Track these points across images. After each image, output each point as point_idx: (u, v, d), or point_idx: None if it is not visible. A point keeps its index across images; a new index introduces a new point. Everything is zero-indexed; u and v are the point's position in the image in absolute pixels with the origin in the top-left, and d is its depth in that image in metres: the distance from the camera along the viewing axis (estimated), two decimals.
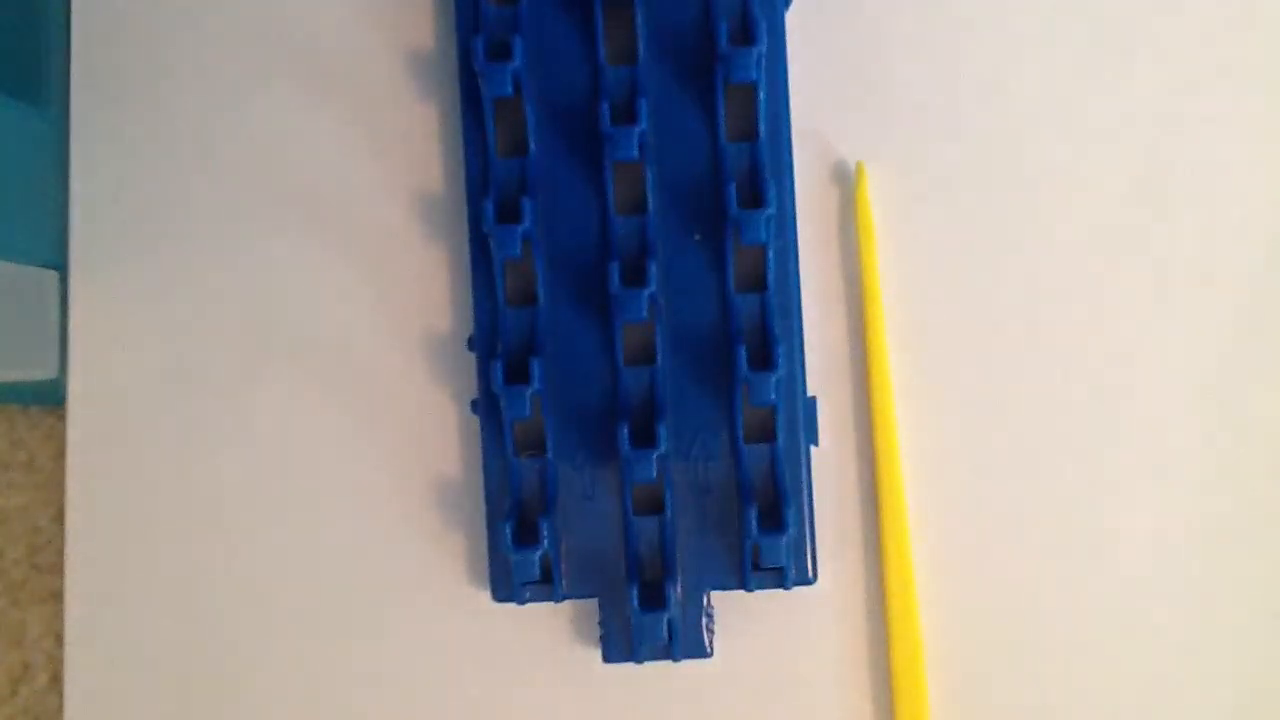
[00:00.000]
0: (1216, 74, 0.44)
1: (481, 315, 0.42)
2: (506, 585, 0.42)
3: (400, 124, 0.44)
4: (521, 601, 0.41)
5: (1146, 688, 0.43)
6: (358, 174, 0.44)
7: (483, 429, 0.42)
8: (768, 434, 0.41)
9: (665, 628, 0.40)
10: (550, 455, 0.41)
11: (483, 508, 0.42)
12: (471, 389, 0.43)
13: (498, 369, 0.40)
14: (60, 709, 0.44)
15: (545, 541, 0.41)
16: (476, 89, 0.41)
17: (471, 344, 0.42)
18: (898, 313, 0.43)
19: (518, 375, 0.40)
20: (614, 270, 0.40)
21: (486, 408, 0.42)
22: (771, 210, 0.40)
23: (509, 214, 0.40)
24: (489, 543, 0.42)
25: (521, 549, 0.40)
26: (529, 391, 0.40)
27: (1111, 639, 0.43)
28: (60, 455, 0.45)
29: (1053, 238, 0.44)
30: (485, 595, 0.42)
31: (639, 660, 0.41)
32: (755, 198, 0.40)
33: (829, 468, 0.43)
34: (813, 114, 0.43)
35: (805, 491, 0.41)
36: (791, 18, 0.42)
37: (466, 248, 0.42)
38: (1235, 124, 0.44)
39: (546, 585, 0.41)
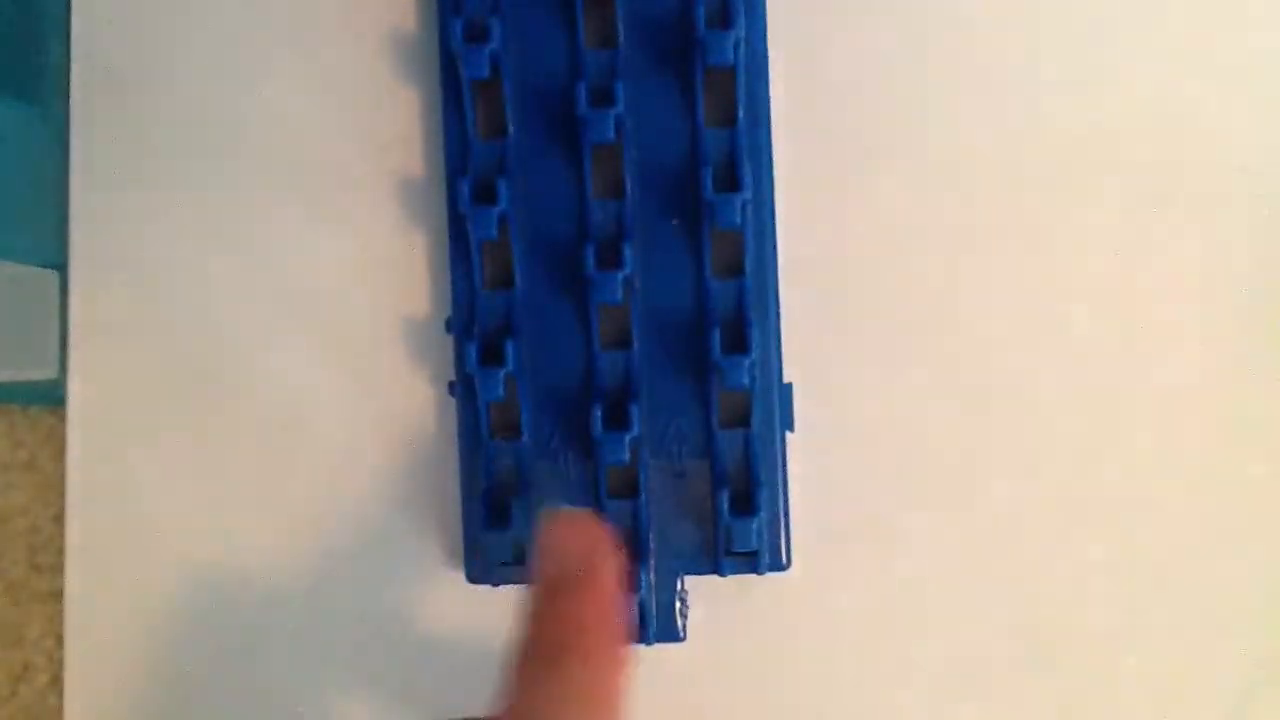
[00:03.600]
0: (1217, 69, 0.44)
1: (459, 297, 0.41)
2: (481, 567, 0.42)
3: (387, 106, 0.44)
4: (495, 583, 0.41)
5: (1155, 691, 0.42)
6: (353, 166, 0.44)
7: (459, 411, 0.42)
8: (743, 419, 0.41)
9: (636, 610, 0.40)
10: (525, 438, 0.41)
11: (459, 489, 0.42)
12: (451, 371, 0.43)
13: (472, 350, 0.40)
14: (60, 709, 0.44)
15: (517, 523, 0.41)
16: (458, 71, 0.41)
17: (449, 326, 0.42)
18: (892, 308, 0.43)
19: (493, 357, 0.40)
20: (589, 252, 0.40)
21: (463, 390, 0.42)
22: (747, 195, 0.40)
23: (486, 195, 0.40)
24: (463, 525, 0.42)
25: (494, 531, 0.40)
26: (503, 373, 0.40)
27: (1118, 636, 0.43)
28: (60, 455, 0.45)
29: (1052, 233, 0.43)
30: (462, 578, 0.42)
31: None
32: (733, 182, 0.40)
33: (805, 454, 0.43)
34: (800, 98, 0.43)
35: (779, 477, 0.41)
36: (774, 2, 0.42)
37: (446, 232, 0.42)
38: (1236, 119, 0.43)
39: (520, 567, 0.41)
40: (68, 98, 0.45)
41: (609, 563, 0.36)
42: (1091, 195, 0.43)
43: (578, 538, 0.36)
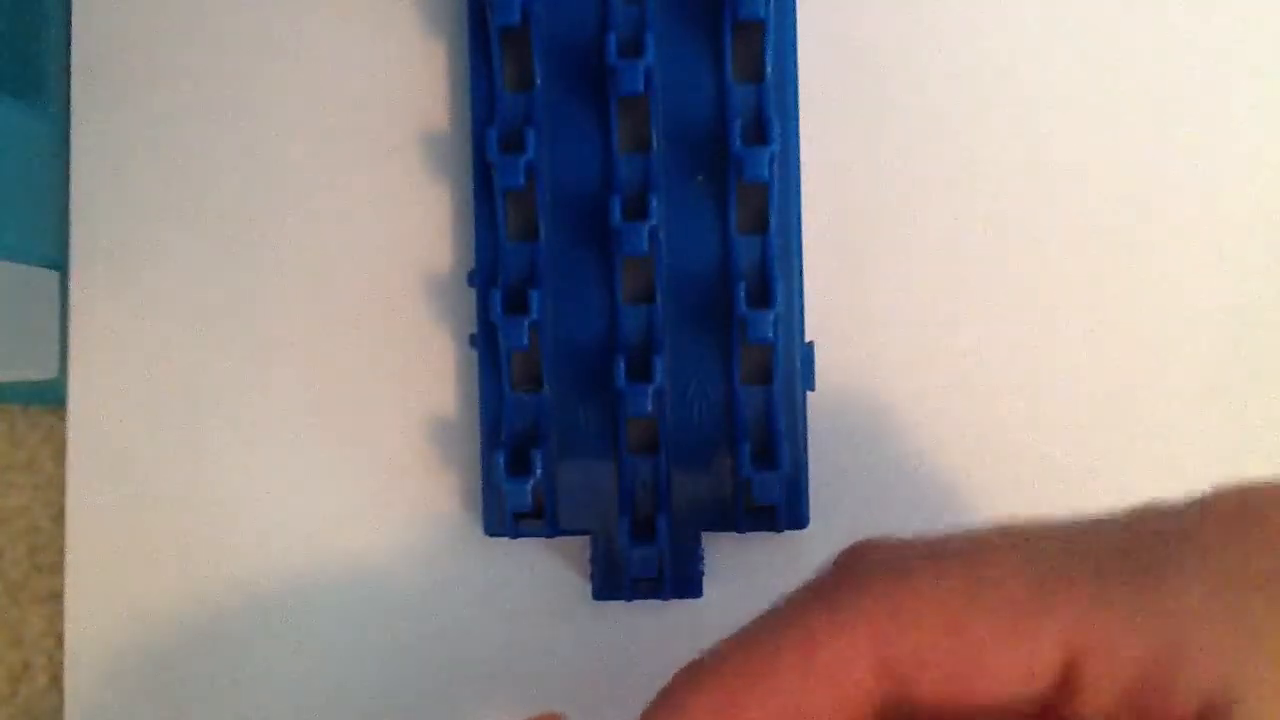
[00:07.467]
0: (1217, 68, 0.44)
1: (482, 249, 0.42)
2: (499, 518, 0.42)
3: (410, 63, 0.45)
4: (514, 535, 0.42)
5: None
6: (371, 126, 0.45)
7: (480, 362, 0.42)
8: (764, 376, 0.41)
9: (656, 563, 0.40)
10: (546, 389, 0.42)
11: (478, 443, 0.42)
12: (470, 326, 0.43)
13: (496, 298, 0.40)
14: (60, 709, 0.44)
15: (538, 472, 0.41)
16: (484, 20, 0.41)
17: (472, 279, 0.42)
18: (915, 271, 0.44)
19: (516, 307, 0.41)
20: (615, 204, 0.40)
21: (485, 341, 0.42)
22: (775, 148, 0.40)
23: (513, 145, 0.41)
24: (483, 475, 0.42)
25: (514, 479, 0.40)
26: (527, 321, 0.40)
27: None
28: (60, 455, 0.45)
29: (1057, 234, 0.44)
30: (479, 531, 0.43)
31: (628, 598, 0.41)
32: (760, 135, 0.41)
33: (825, 413, 0.43)
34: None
35: (800, 434, 0.41)
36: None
37: (469, 186, 0.42)
38: (1236, 119, 0.44)
39: (538, 520, 0.42)
40: (68, 98, 0.45)
41: None
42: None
43: None
